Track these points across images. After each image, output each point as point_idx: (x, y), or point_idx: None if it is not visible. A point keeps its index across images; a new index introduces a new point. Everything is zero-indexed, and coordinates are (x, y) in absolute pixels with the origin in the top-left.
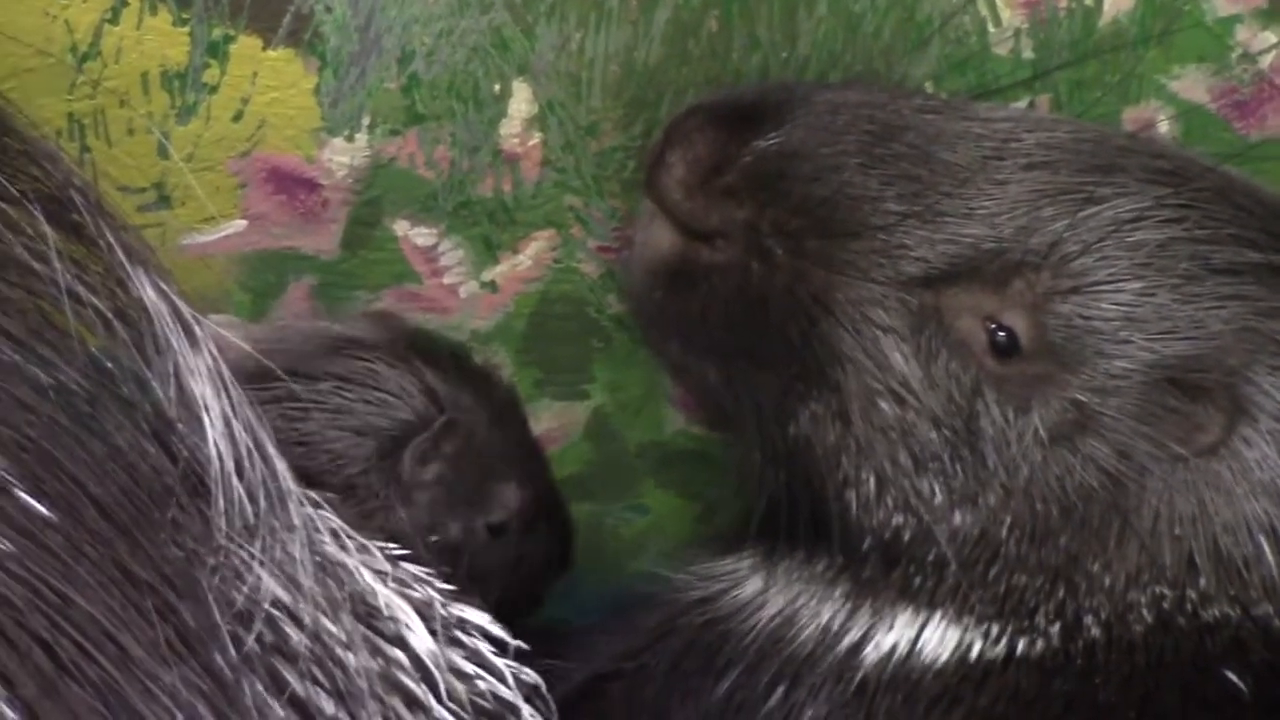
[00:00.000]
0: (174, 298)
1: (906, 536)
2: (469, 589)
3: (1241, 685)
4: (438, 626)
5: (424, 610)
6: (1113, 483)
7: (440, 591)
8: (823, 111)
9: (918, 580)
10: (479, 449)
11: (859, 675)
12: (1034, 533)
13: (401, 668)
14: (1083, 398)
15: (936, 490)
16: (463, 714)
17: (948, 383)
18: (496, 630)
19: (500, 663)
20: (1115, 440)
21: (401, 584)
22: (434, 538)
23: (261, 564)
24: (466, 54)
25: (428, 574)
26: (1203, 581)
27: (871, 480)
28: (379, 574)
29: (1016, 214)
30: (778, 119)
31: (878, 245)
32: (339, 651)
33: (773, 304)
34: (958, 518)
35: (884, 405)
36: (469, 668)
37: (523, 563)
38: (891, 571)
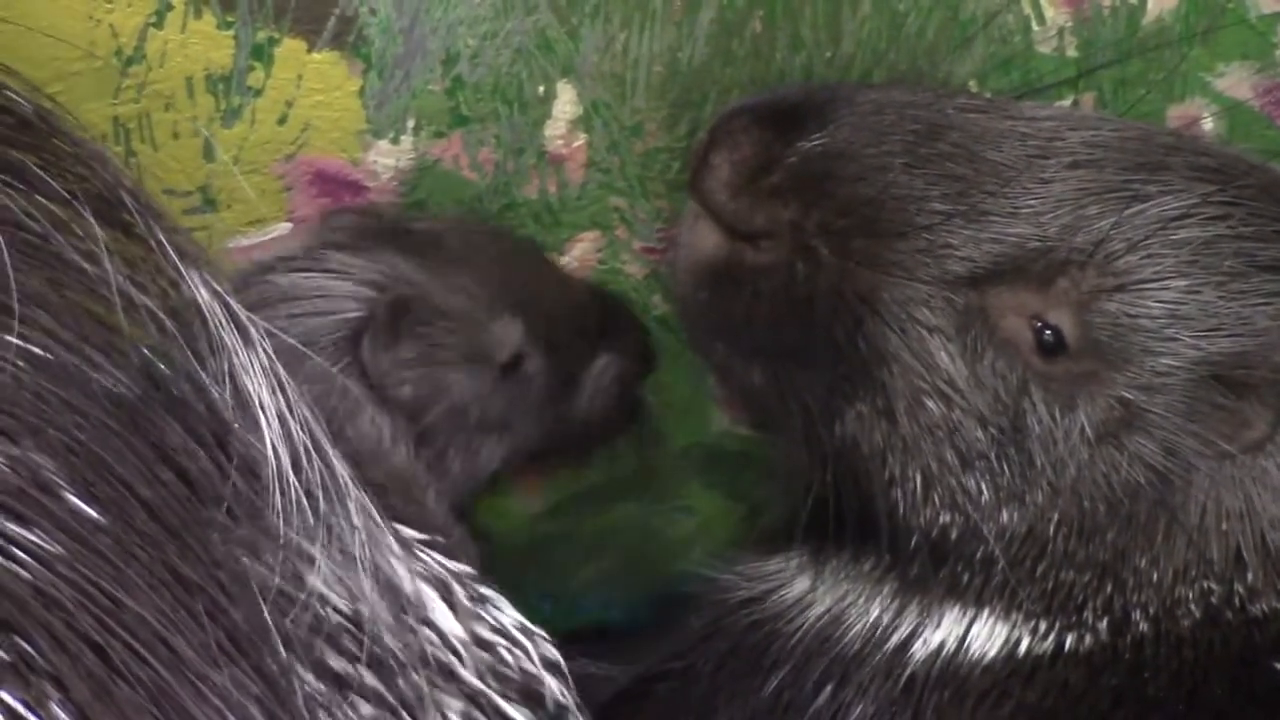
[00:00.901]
0: (227, 297)
1: (954, 535)
2: (517, 433)
3: None
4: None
5: (445, 594)
6: (1160, 479)
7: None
8: (867, 111)
9: (966, 578)
10: (445, 307)
11: (907, 672)
12: (1081, 530)
13: (433, 644)
14: (1129, 395)
15: (984, 488)
16: (489, 685)
17: (994, 382)
18: (513, 613)
19: (522, 636)
20: (1162, 437)
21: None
22: (439, 406)
23: (319, 564)
24: (511, 56)
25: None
26: (1250, 576)
27: (918, 479)
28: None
29: (1061, 212)
30: (822, 119)
31: (923, 245)
32: (393, 655)
33: (818, 304)
34: (1005, 515)
35: (930, 404)
36: (492, 638)
37: (573, 381)
38: (940, 569)
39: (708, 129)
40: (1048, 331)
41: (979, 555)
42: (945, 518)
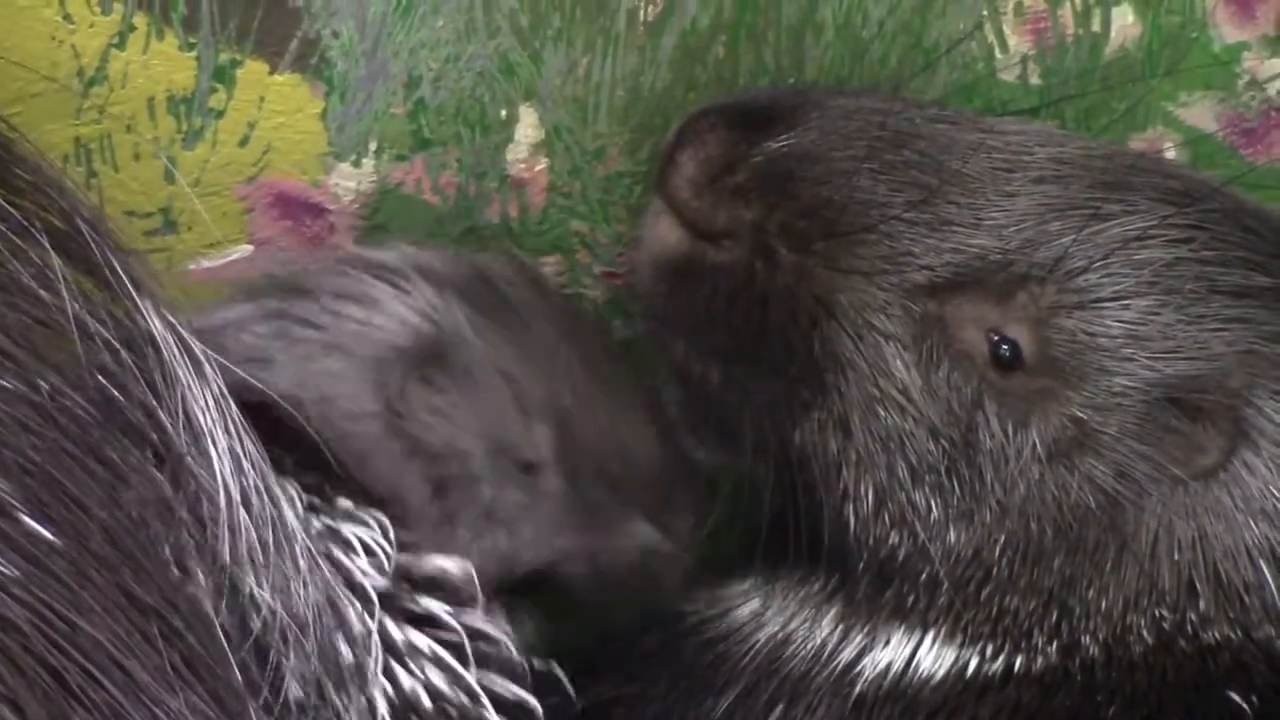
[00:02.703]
0: (181, 329)
1: (901, 555)
2: (520, 543)
3: (1245, 706)
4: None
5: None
6: (1110, 503)
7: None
8: (835, 116)
9: (911, 600)
10: (481, 377)
11: (855, 691)
12: (1027, 554)
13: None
14: (1083, 414)
15: (933, 505)
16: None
17: (948, 393)
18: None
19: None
20: (1114, 459)
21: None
22: (456, 464)
23: (267, 597)
24: (473, 79)
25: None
26: (1202, 605)
27: (870, 494)
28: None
29: (1024, 227)
30: (790, 121)
31: (883, 251)
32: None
33: (775, 304)
34: (952, 535)
35: (884, 414)
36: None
37: (596, 527)
38: (885, 591)
39: (675, 127)
40: (1004, 345)
41: (924, 577)
42: (894, 537)
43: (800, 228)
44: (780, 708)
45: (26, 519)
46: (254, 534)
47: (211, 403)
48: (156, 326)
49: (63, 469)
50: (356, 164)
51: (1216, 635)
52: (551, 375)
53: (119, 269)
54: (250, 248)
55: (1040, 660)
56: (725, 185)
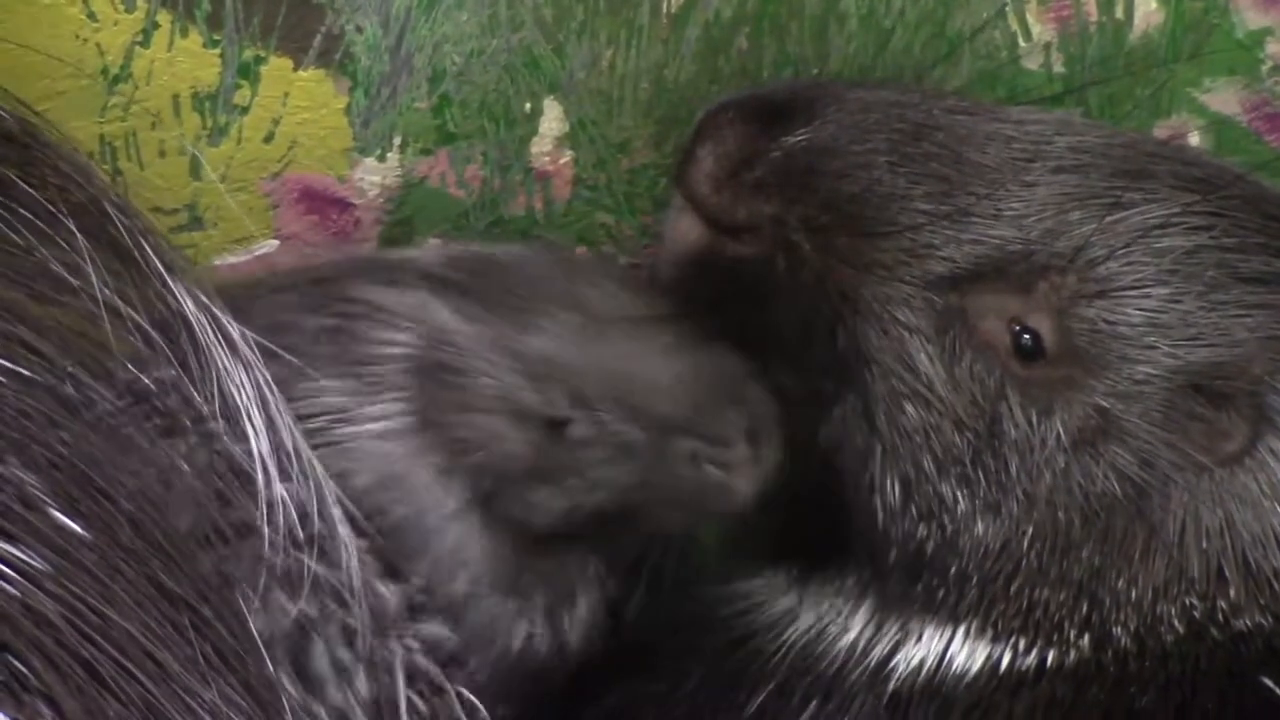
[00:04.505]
0: (214, 309)
1: (930, 548)
2: (574, 491)
3: (1279, 691)
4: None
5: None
6: (1136, 491)
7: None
8: (854, 109)
9: (941, 594)
10: (485, 367)
11: (890, 688)
12: (1055, 545)
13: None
14: (1106, 403)
15: (960, 497)
16: None
17: (971, 385)
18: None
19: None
20: (1138, 447)
21: None
22: (487, 449)
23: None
24: (497, 73)
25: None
26: (1232, 592)
27: (897, 487)
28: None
29: (1044, 216)
30: (809, 115)
31: (904, 244)
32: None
33: (799, 299)
34: (980, 527)
35: (909, 407)
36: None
37: (651, 452)
38: (915, 585)
39: (696, 122)
40: (1026, 335)
41: (954, 570)
42: (922, 530)
43: (821, 222)
44: (814, 705)
45: (55, 513)
46: (292, 511)
47: (246, 380)
48: (189, 307)
49: (90, 462)
50: (381, 159)
51: (1248, 622)
52: (549, 335)
53: (149, 251)
54: (276, 243)
55: (1073, 654)
56: (744, 180)
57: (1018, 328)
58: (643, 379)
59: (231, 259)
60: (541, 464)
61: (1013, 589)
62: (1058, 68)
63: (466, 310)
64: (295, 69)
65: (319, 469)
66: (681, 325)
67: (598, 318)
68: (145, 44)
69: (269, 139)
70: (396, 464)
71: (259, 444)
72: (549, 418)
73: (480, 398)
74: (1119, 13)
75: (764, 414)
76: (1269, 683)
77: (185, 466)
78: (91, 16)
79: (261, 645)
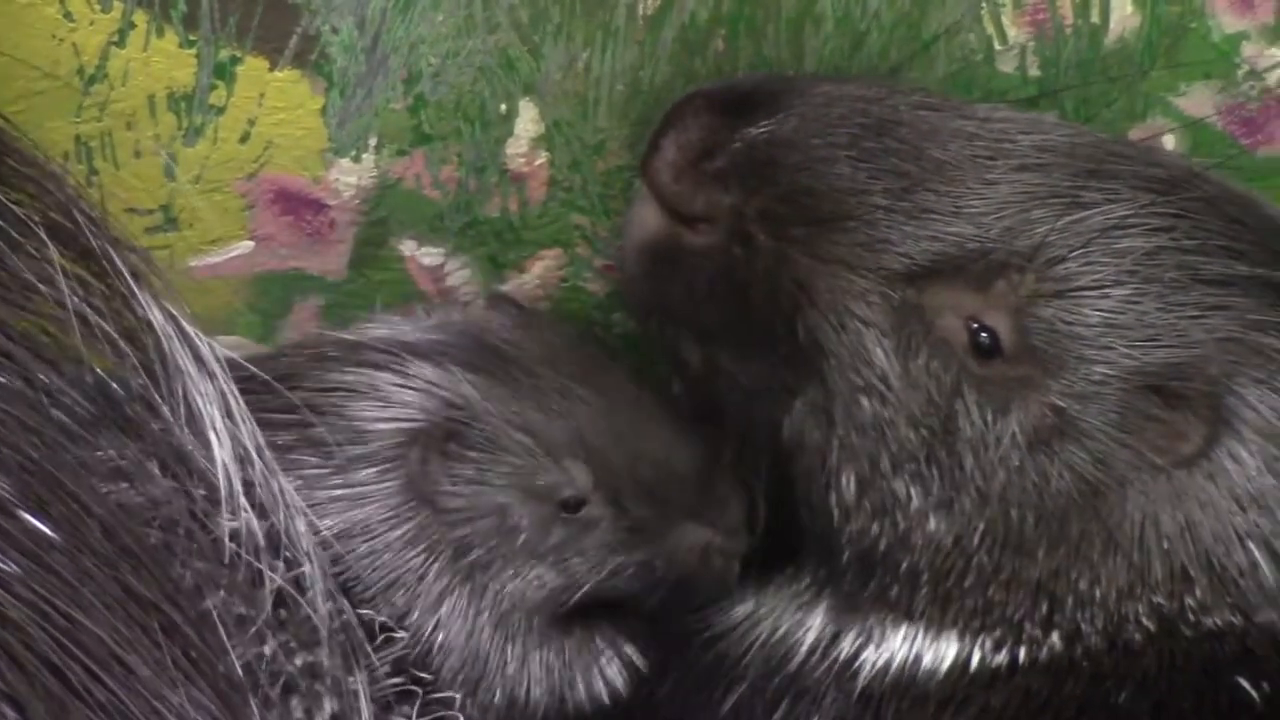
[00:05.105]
0: (181, 320)
1: (882, 546)
2: (573, 570)
3: (1254, 693)
4: None
5: None
6: (1092, 492)
7: None
8: (818, 103)
9: (894, 591)
10: (505, 441)
11: (859, 685)
12: (1008, 543)
13: None
14: (1062, 403)
15: (913, 494)
16: None
17: (927, 381)
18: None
19: None
20: (1094, 447)
21: None
22: (485, 521)
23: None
24: (473, 74)
25: None
26: (1199, 591)
27: (853, 483)
28: None
29: (1005, 215)
30: (773, 108)
31: (862, 238)
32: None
33: (755, 290)
34: (933, 523)
35: (865, 402)
36: None
37: (650, 538)
38: (869, 583)
39: (663, 112)
40: (983, 333)
41: (905, 567)
42: (875, 527)
43: (779, 214)
44: (785, 704)
45: (26, 516)
46: (254, 519)
47: (212, 391)
48: (156, 317)
49: (61, 466)
50: (357, 159)
51: (1218, 620)
52: (569, 414)
53: (118, 261)
54: (251, 244)
55: (1045, 651)
56: (705, 170)
57: (975, 325)
58: (660, 464)
59: (207, 260)
60: (544, 542)
61: (966, 585)
62: (1033, 71)
63: (478, 384)
64: (271, 69)
65: (284, 482)
66: (672, 403)
67: (612, 399)
68: (121, 44)
69: (244, 139)
70: (373, 523)
71: (221, 451)
72: (565, 498)
73: (492, 473)
74: (1094, 16)
75: (756, 501)
76: (1244, 683)
77: (155, 471)
78: (67, 16)
79: (230, 648)
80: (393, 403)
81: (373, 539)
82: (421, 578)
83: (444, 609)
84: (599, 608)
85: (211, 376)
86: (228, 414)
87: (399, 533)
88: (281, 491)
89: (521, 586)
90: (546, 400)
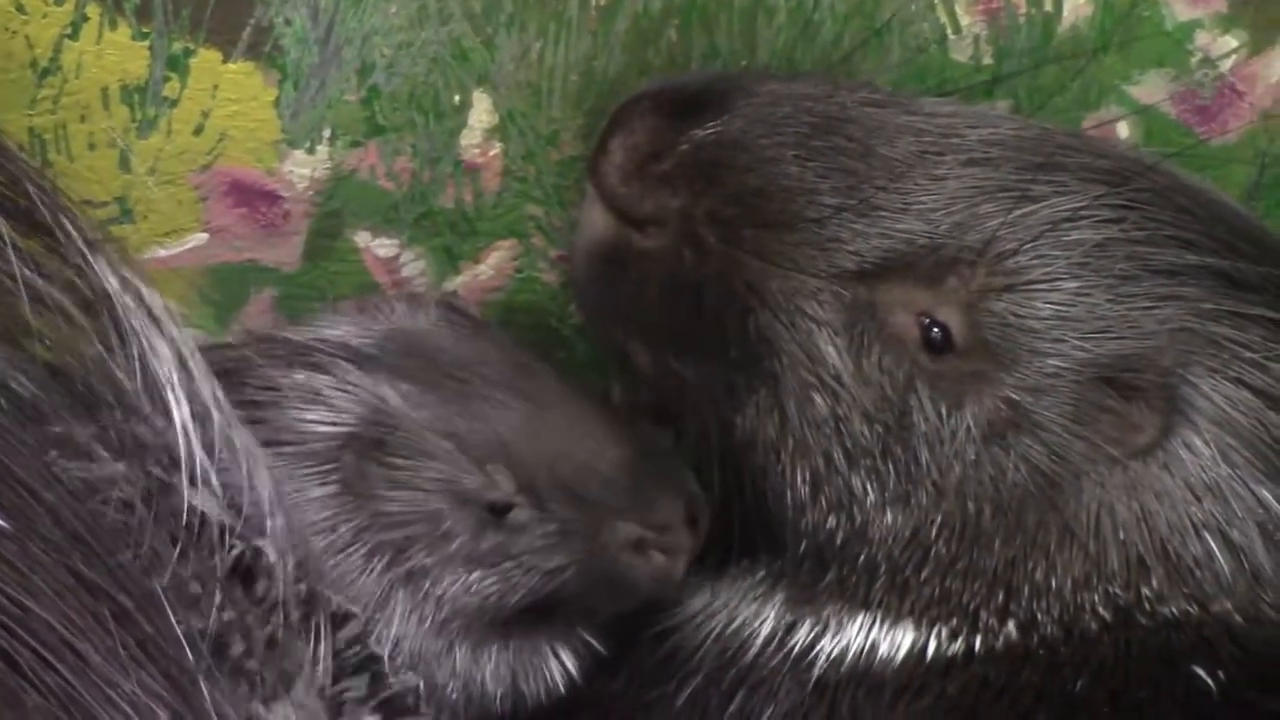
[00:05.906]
0: (137, 283)
1: (839, 539)
2: (509, 575)
3: (1210, 682)
4: None
5: None
6: (1048, 483)
7: None
8: (764, 102)
9: (851, 582)
10: (429, 448)
11: (815, 675)
12: (964, 534)
13: None
14: (1016, 396)
15: (869, 488)
16: None
17: (880, 378)
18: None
19: None
20: (1049, 439)
21: None
22: (419, 526)
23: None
24: (426, 65)
25: None
26: (1155, 581)
27: (807, 479)
28: None
29: (954, 210)
30: (719, 108)
31: (811, 237)
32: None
33: (705, 292)
34: (889, 517)
35: (818, 399)
36: None
37: (586, 538)
38: (825, 575)
39: (610, 113)
40: (935, 329)
41: (862, 559)
42: (831, 521)
43: (728, 215)
44: (741, 695)
45: None
46: (215, 481)
47: (168, 353)
48: (111, 284)
49: (10, 452)
50: (311, 151)
51: (1174, 610)
52: (493, 419)
53: (70, 229)
54: (206, 235)
55: (1001, 640)
56: (652, 172)
57: (927, 321)
58: (585, 465)
59: (162, 252)
60: (477, 547)
61: (923, 576)
62: (986, 59)
63: (405, 391)
64: (224, 61)
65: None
66: (615, 408)
67: (538, 403)
68: (74, 36)
69: (198, 131)
70: (318, 521)
71: (181, 412)
72: (490, 502)
73: (421, 479)
74: (1047, 4)
75: (697, 497)
76: (1200, 672)
77: (106, 453)
78: (20, 9)
79: (181, 636)
80: (330, 406)
81: (319, 536)
82: (365, 578)
83: (388, 609)
84: (548, 610)
85: (168, 338)
86: (184, 368)
87: (340, 532)
88: (243, 444)
89: (459, 591)
90: (471, 406)
